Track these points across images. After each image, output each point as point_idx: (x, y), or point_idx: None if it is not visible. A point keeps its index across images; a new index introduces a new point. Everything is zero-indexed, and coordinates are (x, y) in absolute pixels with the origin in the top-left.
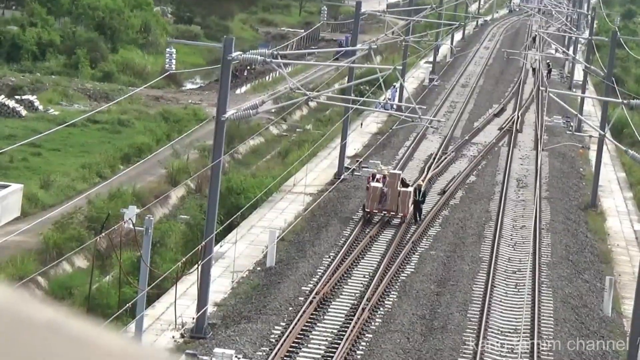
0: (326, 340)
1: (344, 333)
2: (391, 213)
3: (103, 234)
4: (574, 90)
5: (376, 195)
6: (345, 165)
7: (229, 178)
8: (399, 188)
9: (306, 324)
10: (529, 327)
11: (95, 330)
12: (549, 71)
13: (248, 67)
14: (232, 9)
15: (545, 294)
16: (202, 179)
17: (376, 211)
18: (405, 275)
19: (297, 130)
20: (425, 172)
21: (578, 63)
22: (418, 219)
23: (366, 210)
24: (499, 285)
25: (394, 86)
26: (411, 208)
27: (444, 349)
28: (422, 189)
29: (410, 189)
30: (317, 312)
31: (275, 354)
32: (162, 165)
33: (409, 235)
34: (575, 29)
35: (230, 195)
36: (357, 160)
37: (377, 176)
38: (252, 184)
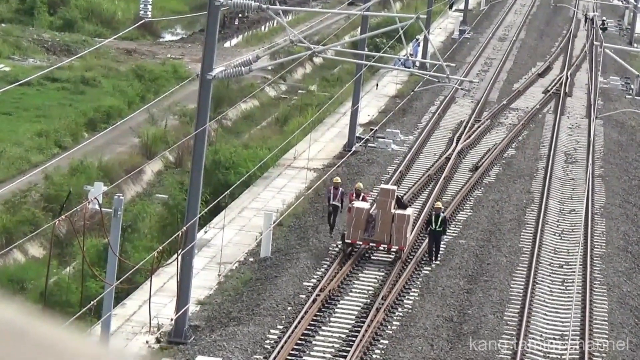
0: (332, 347)
1: (353, 338)
2: (382, 246)
3: (63, 217)
4: (635, 45)
5: (361, 220)
6: (357, 134)
7: (216, 150)
8: (392, 210)
9: (308, 327)
10: (577, 332)
11: (64, 335)
12: (604, 28)
13: (240, 15)
14: None
15: (599, 292)
16: (183, 151)
17: (360, 243)
18: (429, 269)
19: (299, 91)
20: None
21: None
22: (434, 258)
23: (346, 241)
24: (542, 281)
25: (417, 39)
26: (411, 237)
27: (475, 359)
28: (442, 214)
29: (409, 211)
30: (321, 313)
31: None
32: (135, 134)
33: None
34: None
35: (217, 171)
36: (372, 129)
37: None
38: (243, 156)
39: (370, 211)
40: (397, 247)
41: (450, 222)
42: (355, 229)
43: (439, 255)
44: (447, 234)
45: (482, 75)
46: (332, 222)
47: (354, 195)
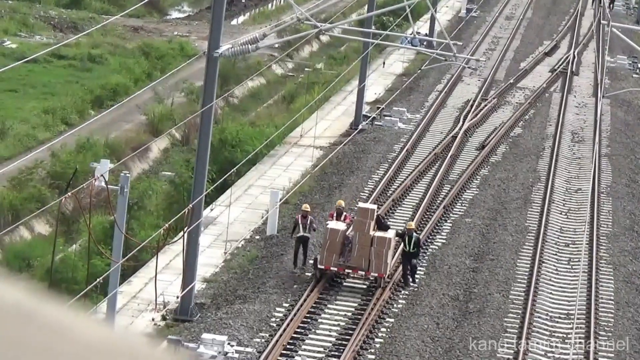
0: (338, 325)
1: (359, 317)
2: (359, 272)
3: (69, 194)
4: None
5: (336, 243)
6: (364, 113)
7: (223, 128)
8: (372, 232)
9: (314, 305)
10: (584, 311)
11: (73, 318)
12: (612, 1)
13: None
14: None
15: (605, 272)
16: (190, 128)
17: (335, 269)
18: (435, 247)
19: (306, 70)
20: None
21: None
22: (410, 281)
23: (319, 267)
24: (548, 260)
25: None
26: (392, 262)
27: (480, 337)
28: (414, 234)
29: (391, 233)
30: (327, 291)
31: (277, 341)
32: (142, 111)
33: (439, 199)
34: None
35: (223, 148)
36: (379, 107)
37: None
38: (250, 134)
39: (347, 233)
40: (376, 274)
41: (421, 242)
42: (330, 253)
43: (415, 279)
44: (421, 256)
45: (488, 54)
46: (304, 255)
47: (335, 215)
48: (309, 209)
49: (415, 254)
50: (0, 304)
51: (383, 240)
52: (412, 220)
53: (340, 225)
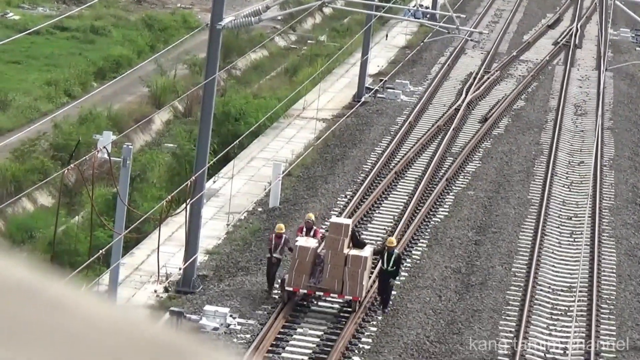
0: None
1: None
2: (331, 295)
3: (72, 166)
4: None
5: (305, 262)
6: (367, 85)
7: (226, 100)
8: (345, 250)
9: None
10: (586, 284)
11: (77, 295)
12: None
13: None
14: None
15: (607, 244)
16: (193, 100)
17: (305, 291)
18: (438, 219)
19: (309, 42)
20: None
21: None
22: (383, 306)
23: (286, 288)
24: (550, 233)
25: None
26: (370, 284)
27: (482, 310)
28: (395, 251)
29: (368, 250)
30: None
31: (279, 313)
32: (144, 83)
33: (442, 171)
34: None
35: (226, 121)
36: (381, 80)
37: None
38: (253, 106)
39: (318, 251)
40: (350, 298)
41: (402, 260)
42: (299, 273)
43: (388, 305)
44: (400, 276)
45: (491, 26)
46: (272, 277)
47: (304, 230)
48: (283, 230)
49: (394, 273)
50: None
51: (358, 260)
52: (393, 236)
53: (310, 243)
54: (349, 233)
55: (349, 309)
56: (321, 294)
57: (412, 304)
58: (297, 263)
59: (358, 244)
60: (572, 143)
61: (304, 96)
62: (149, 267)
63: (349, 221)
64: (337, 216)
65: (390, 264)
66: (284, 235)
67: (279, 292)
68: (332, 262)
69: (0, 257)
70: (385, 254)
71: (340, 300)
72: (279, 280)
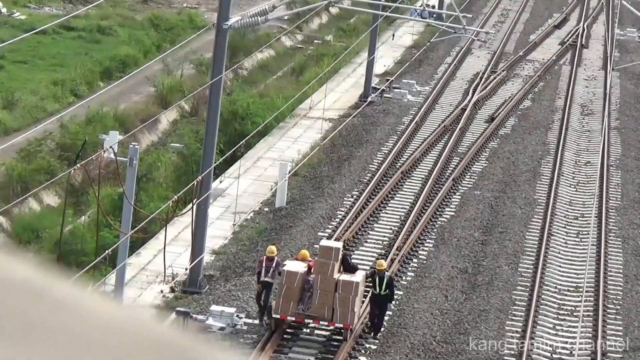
0: None
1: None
2: (320, 323)
3: (78, 165)
4: None
5: (294, 288)
6: (373, 85)
7: (232, 99)
8: (336, 275)
9: None
10: (592, 284)
11: (83, 296)
12: None
13: None
14: None
15: (613, 244)
16: (199, 100)
17: (292, 318)
18: (444, 219)
19: (315, 41)
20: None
21: None
22: (374, 333)
23: (273, 315)
24: (557, 233)
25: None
26: (363, 310)
27: (489, 310)
28: (386, 274)
29: (359, 276)
30: None
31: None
32: (151, 83)
33: (448, 171)
34: None
35: (232, 120)
36: (388, 79)
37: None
38: (259, 106)
39: (307, 276)
40: (341, 325)
41: (393, 283)
42: (286, 300)
43: (379, 331)
44: (394, 300)
45: (498, 26)
46: (264, 301)
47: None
48: (274, 252)
49: (388, 297)
50: (9, 281)
51: (349, 285)
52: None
53: (299, 267)
54: (340, 257)
55: (340, 337)
56: (310, 321)
57: (418, 304)
58: (284, 288)
59: (349, 268)
60: (578, 143)
61: (311, 96)
62: (155, 267)
63: (340, 244)
64: (328, 238)
65: (383, 288)
66: (275, 258)
67: (266, 319)
68: (322, 288)
69: (6, 257)
70: (377, 278)
71: (331, 327)
72: (267, 308)
